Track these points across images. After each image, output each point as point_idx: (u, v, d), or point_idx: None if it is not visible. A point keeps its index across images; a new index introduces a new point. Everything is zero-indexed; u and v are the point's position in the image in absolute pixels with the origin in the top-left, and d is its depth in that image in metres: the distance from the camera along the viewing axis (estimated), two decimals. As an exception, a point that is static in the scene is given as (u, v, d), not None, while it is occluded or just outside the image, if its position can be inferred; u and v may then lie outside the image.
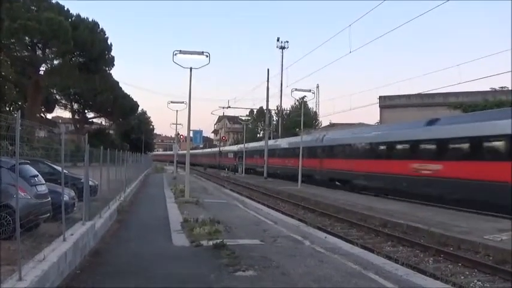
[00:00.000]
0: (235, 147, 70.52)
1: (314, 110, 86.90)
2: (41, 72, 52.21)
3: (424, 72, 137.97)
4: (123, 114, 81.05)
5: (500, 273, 11.36)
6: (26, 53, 49.82)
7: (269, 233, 13.51)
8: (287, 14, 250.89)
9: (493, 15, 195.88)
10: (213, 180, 52.04)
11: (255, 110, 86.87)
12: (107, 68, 62.88)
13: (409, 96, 51.04)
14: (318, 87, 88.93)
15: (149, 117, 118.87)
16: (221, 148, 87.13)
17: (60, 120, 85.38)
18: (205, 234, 12.44)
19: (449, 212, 20.38)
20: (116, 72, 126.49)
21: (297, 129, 45.95)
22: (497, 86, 46.44)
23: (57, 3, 51.72)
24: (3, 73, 49.32)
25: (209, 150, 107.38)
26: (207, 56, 21.99)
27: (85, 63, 54.16)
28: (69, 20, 50.93)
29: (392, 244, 15.48)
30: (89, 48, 52.24)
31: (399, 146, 27.24)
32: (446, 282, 9.58)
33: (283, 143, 50.35)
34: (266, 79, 56.37)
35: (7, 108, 54.17)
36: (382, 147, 28.87)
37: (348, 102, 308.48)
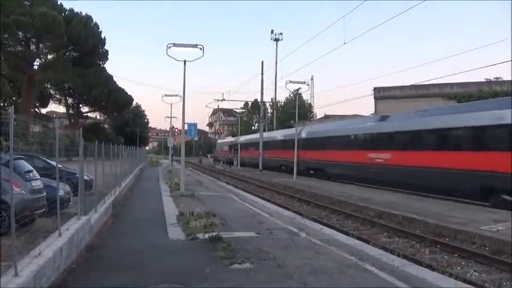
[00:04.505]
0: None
1: (309, 101, 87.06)
2: (35, 67, 52.05)
3: (418, 63, 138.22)
4: (117, 108, 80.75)
5: (497, 263, 11.42)
6: (20, 48, 49.58)
7: (265, 226, 13.52)
8: (281, 6, 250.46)
9: (488, 5, 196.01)
10: (208, 173, 52.04)
11: (249, 103, 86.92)
12: (101, 62, 62.82)
13: (403, 88, 51.05)
14: (312, 79, 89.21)
15: (144, 111, 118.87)
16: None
17: (54, 115, 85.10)
18: (201, 227, 12.44)
19: (444, 203, 20.43)
20: (109, 66, 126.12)
21: (292, 122, 45.83)
22: (492, 77, 46.44)
23: (51, -3, 51.55)
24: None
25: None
26: (201, 49, 21.92)
27: (79, 57, 54.07)
28: (63, 14, 50.79)
29: (388, 235, 15.53)
30: (83, 42, 52.13)
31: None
32: (442, 273, 9.60)
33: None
34: (260, 71, 56.33)
35: (1, 104, 53.99)
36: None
37: (343, 94, 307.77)
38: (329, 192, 25.28)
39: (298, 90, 45.32)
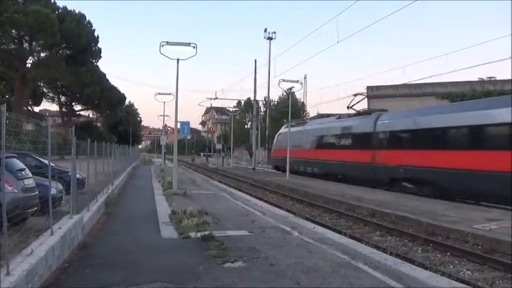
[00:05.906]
0: None
1: (302, 100, 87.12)
2: (28, 65, 51.79)
3: (412, 62, 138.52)
4: (110, 106, 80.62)
5: (489, 262, 11.42)
6: (13, 46, 49.32)
7: (257, 224, 13.54)
8: (274, 4, 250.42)
9: (481, 4, 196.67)
10: (201, 172, 51.96)
11: (242, 101, 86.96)
12: (94, 60, 62.55)
13: (397, 87, 51.18)
14: (305, 77, 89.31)
15: (136, 109, 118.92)
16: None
17: (47, 113, 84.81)
18: (194, 226, 12.44)
19: (437, 202, 20.45)
20: (102, 65, 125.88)
21: (285, 120, 45.82)
22: (485, 76, 46.65)
23: (44, -5, 51.31)
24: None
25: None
26: (194, 47, 21.88)
27: (72, 55, 53.77)
28: (56, 12, 50.51)
29: (381, 234, 15.53)
30: (76, 40, 51.86)
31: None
32: (435, 271, 9.60)
33: None
34: (254, 70, 56.34)
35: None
36: None
37: (336, 92, 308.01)
38: (322, 191, 25.28)
39: (291, 89, 45.32)
